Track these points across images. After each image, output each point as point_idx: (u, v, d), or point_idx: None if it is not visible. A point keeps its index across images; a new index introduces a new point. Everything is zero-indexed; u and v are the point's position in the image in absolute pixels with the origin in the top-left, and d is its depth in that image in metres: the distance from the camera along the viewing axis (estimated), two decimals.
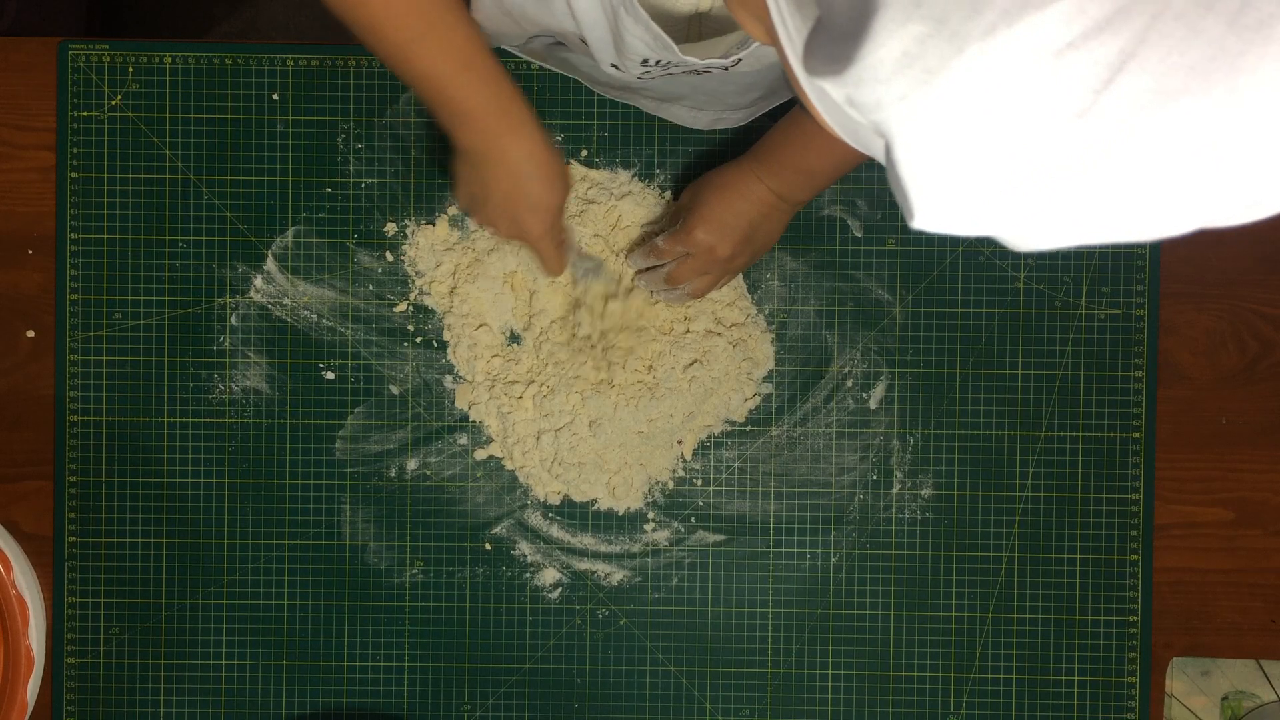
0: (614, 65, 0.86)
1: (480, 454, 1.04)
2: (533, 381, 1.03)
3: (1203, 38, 0.42)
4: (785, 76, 0.57)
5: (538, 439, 1.03)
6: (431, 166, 1.04)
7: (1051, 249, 0.50)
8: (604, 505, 1.04)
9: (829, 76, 0.48)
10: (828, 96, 0.51)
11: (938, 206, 0.48)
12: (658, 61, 0.83)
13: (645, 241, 1.02)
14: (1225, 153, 0.44)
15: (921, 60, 0.44)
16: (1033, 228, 0.48)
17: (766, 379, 1.04)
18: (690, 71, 0.85)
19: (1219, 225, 0.49)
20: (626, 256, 1.03)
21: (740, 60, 0.81)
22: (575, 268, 1.01)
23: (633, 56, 0.83)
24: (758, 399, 1.04)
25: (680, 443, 1.04)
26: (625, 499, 1.04)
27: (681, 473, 1.05)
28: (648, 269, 1.01)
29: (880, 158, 0.51)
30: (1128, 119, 0.43)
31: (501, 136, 0.86)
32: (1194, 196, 0.46)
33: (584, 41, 0.84)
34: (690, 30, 0.86)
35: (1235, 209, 0.47)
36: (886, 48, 0.45)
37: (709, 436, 1.05)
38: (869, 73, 0.46)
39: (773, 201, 0.96)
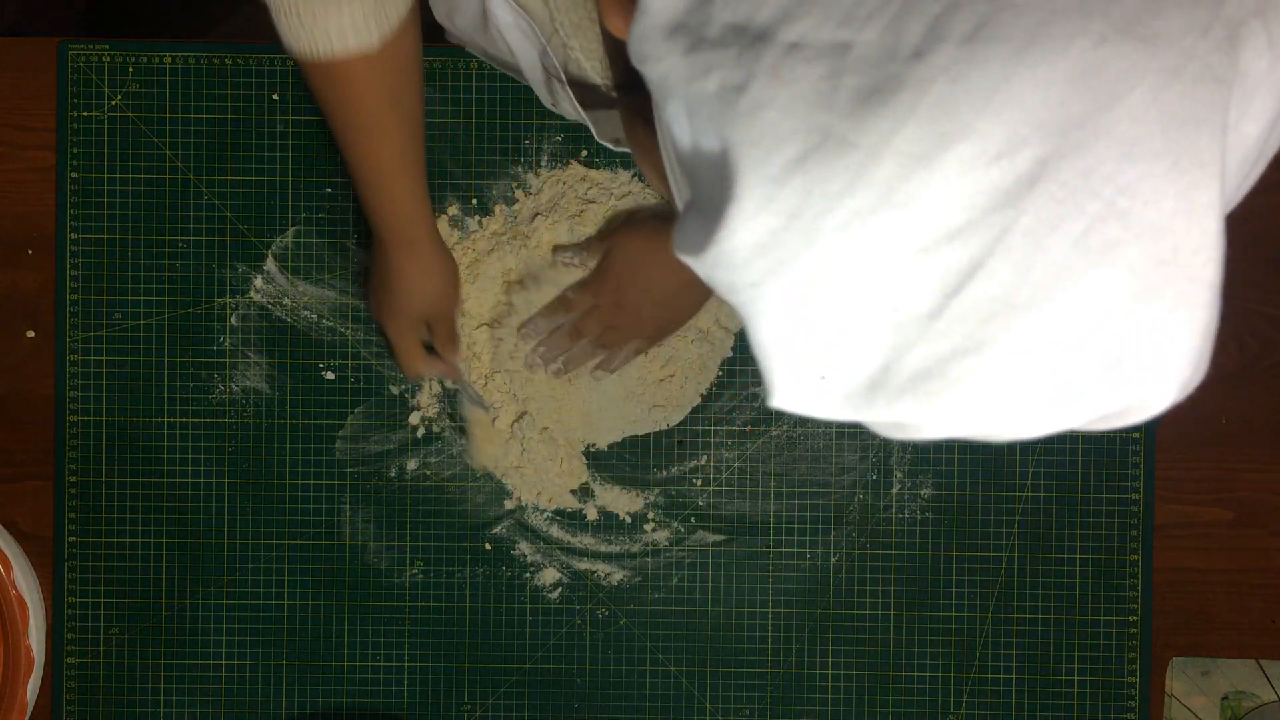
0: (552, 105, 0.88)
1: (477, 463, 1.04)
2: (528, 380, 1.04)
3: (1048, 255, 0.44)
4: None
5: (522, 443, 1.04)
6: (431, 167, 1.04)
7: (918, 441, 0.51)
8: (605, 507, 1.04)
9: (689, 255, 0.49)
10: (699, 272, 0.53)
11: (792, 390, 0.49)
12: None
13: (543, 309, 1.02)
14: (1071, 360, 0.46)
15: (774, 251, 0.46)
16: (897, 420, 0.49)
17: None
18: None
19: (1083, 429, 0.51)
20: (521, 329, 1.02)
21: None
22: (459, 393, 1.03)
23: (564, 107, 0.86)
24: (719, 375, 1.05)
25: (681, 443, 1.04)
26: (627, 502, 1.04)
27: (679, 469, 1.05)
28: (549, 334, 1.01)
29: None
30: (978, 324, 0.45)
31: (397, 241, 0.93)
32: (1043, 403, 0.47)
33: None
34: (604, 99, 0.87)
35: (1090, 416, 0.48)
36: (740, 236, 0.46)
37: (709, 435, 1.05)
38: (725, 258, 0.47)
39: (696, 276, 0.96)
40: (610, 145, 0.86)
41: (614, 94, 0.75)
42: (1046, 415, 0.48)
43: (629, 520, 1.04)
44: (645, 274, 0.98)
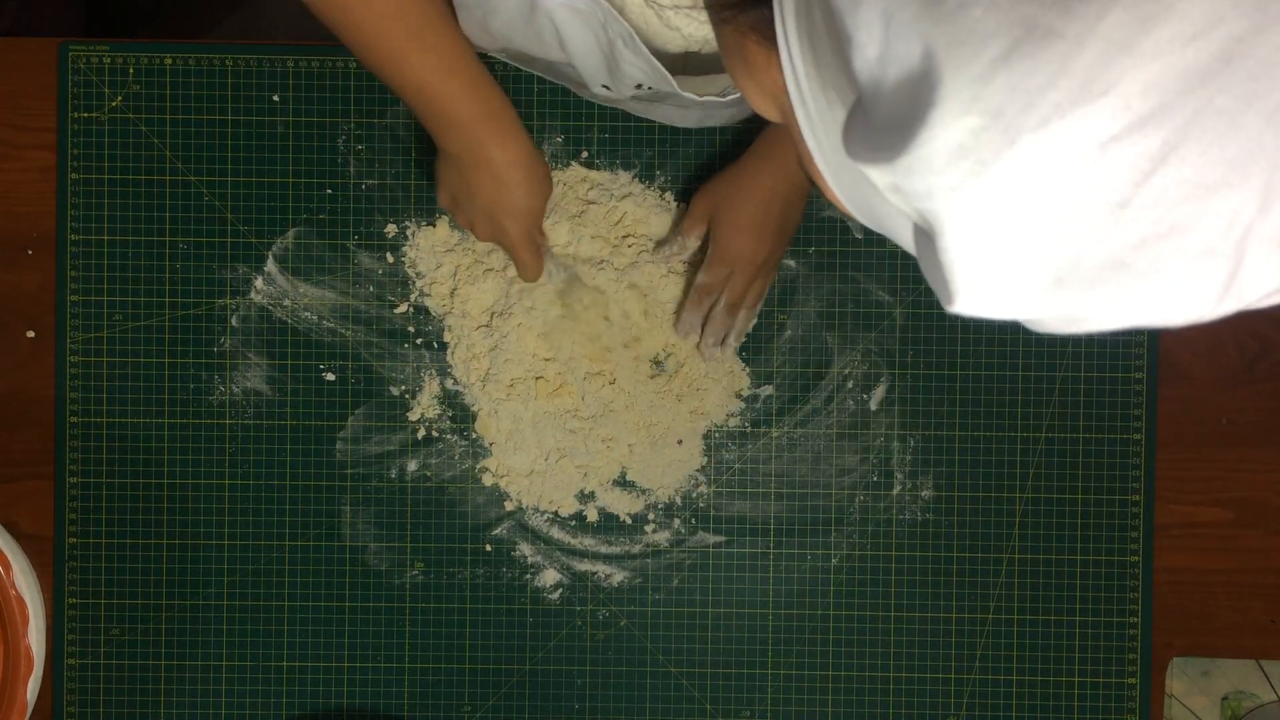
0: (605, 86, 0.87)
1: (487, 479, 1.04)
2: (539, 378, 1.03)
3: (1242, 133, 0.43)
4: None
5: (533, 445, 1.04)
6: (432, 168, 1.04)
7: (1088, 333, 0.50)
8: (606, 508, 1.04)
9: (876, 164, 0.48)
10: (854, 178, 0.52)
11: (981, 293, 0.48)
12: (651, 87, 0.83)
13: (684, 304, 1.02)
14: (1259, 244, 0.45)
15: (976, 152, 0.45)
16: (1072, 314, 0.49)
17: (767, 380, 1.04)
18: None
19: (1254, 307, 0.50)
20: (676, 327, 1.03)
21: (739, 95, 0.82)
22: (552, 275, 1.01)
23: (627, 82, 0.84)
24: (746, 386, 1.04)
25: (680, 442, 1.04)
26: (628, 504, 1.04)
27: (698, 476, 1.05)
28: (704, 321, 1.02)
29: (902, 240, 0.52)
30: (1170, 208, 0.44)
31: (486, 142, 0.87)
32: (1226, 285, 0.46)
33: (572, 65, 0.84)
34: (678, 63, 0.86)
35: (1265, 294, 0.48)
36: (942, 139, 0.45)
37: (709, 434, 1.05)
38: (921, 163, 0.46)
39: (794, 192, 0.97)
40: (695, 99, 0.84)
41: (720, 18, 0.73)
42: (1230, 294, 0.47)
43: (629, 521, 1.04)
44: (752, 218, 0.97)
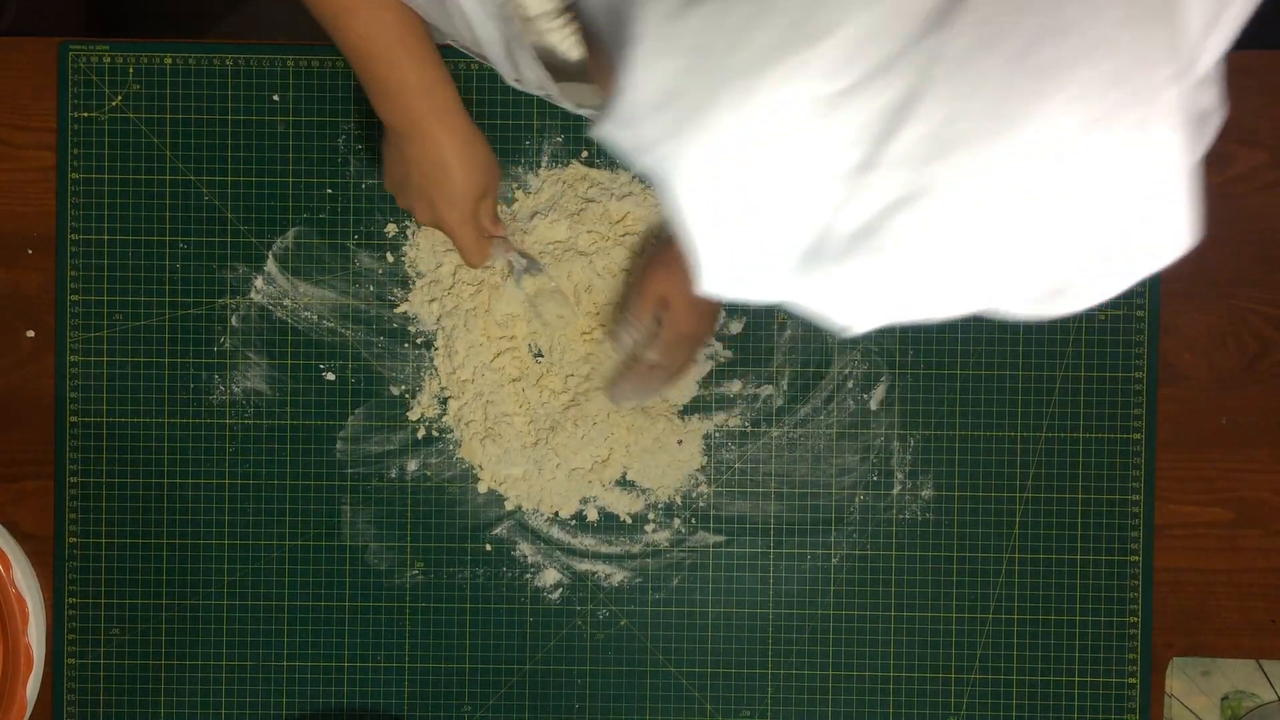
0: (516, 80, 0.85)
1: (481, 486, 1.04)
2: (520, 379, 1.03)
3: (984, 81, 0.39)
4: None
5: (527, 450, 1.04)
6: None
7: (863, 330, 0.45)
8: (606, 508, 1.04)
9: (601, 131, 0.44)
10: (624, 152, 0.47)
11: (721, 266, 0.44)
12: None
13: (624, 375, 0.99)
14: (1016, 207, 0.41)
15: (683, 96, 0.41)
16: (835, 297, 0.44)
17: (768, 380, 1.04)
18: None
19: (1015, 309, 0.45)
20: (610, 393, 1.01)
21: None
22: (512, 265, 1.00)
23: (530, 80, 0.83)
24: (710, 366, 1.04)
25: (680, 442, 1.04)
26: (629, 504, 1.04)
27: (698, 476, 1.05)
28: (628, 377, 0.99)
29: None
30: (917, 168, 0.40)
31: (425, 119, 0.83)
32: (999, 257, 0.42)
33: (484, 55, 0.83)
34: (580, 70, 0.84)
35: (1035, 284, 0.43)
36: (642, 84, 0.42)
37: (709, 434, 1.05)
38: (629, 110, 0.43)
39: None
40: (572, 108, 0.82)
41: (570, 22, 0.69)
42: (998, 270, 0.42)
43: (629, 521, 1.04)
44: (703, 303, 0.95)
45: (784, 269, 0.44)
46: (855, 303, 0.44)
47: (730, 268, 0.44)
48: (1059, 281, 0.43)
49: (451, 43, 0.93)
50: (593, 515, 1.04)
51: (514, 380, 1.04)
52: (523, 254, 1.01)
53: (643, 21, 0.41)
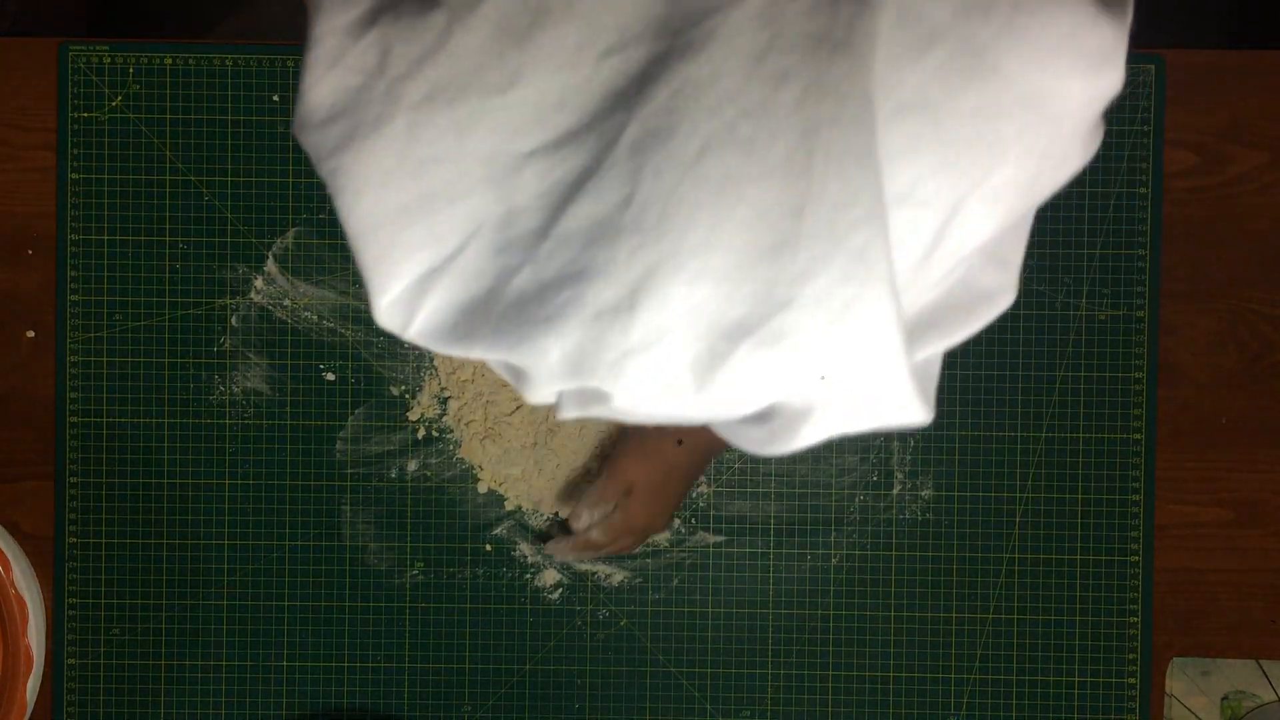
0: None
1: (481, 487, 1.04)
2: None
3: (656, 176, 0.38)
4: None
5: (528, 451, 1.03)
6: None
7: (542, 388, 0.43)
8: None
9: (293, 121, 0.43)
10: None
11: (389, 299, 0.43)
12: None
13: (566, 541, 1.00)
14: (677, 316, 0.39)
15: (354, 113, 0.41)
16: (499, 360, 0.43)
17: None
18: None
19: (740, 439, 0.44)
20: (546, 546, 1.01)
21: None
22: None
23: None
24: None
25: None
26: None
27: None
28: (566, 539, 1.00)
29: None
30: (582, 248, 0.39)
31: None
32: (650, 361, 0.41)
33: None
34: None
35: (723, 407, 0.42)
36: (315, 91, 0.41)
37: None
38: (304, 116, 0.42)
39: (691, 461, 0.95)
40: None
41: None
42: (654, 378, 0.41)
43: None
44: (665, 492, 0.96)
45: (443, 325, 0.42)
46: (521, 376, 0.43)
47: (395, 303, 0.43)
48: (736, 408, 0.41)
49: None
50: None
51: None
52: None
53: (321, 28, 0.41)
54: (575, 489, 1.02)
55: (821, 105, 0.36)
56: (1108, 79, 0.41)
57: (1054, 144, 0.41)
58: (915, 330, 0.43)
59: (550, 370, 0.41)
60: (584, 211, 0.39)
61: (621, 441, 0.98)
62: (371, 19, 0.40)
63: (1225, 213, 1.03)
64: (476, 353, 0.43)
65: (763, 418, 0.43)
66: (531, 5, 0.38)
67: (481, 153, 0.39)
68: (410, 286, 0.42)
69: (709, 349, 0.39)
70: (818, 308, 0.38)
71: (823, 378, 0.40)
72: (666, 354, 0.40)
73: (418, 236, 0.41)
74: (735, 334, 0.39)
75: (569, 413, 0.43)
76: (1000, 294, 0.47)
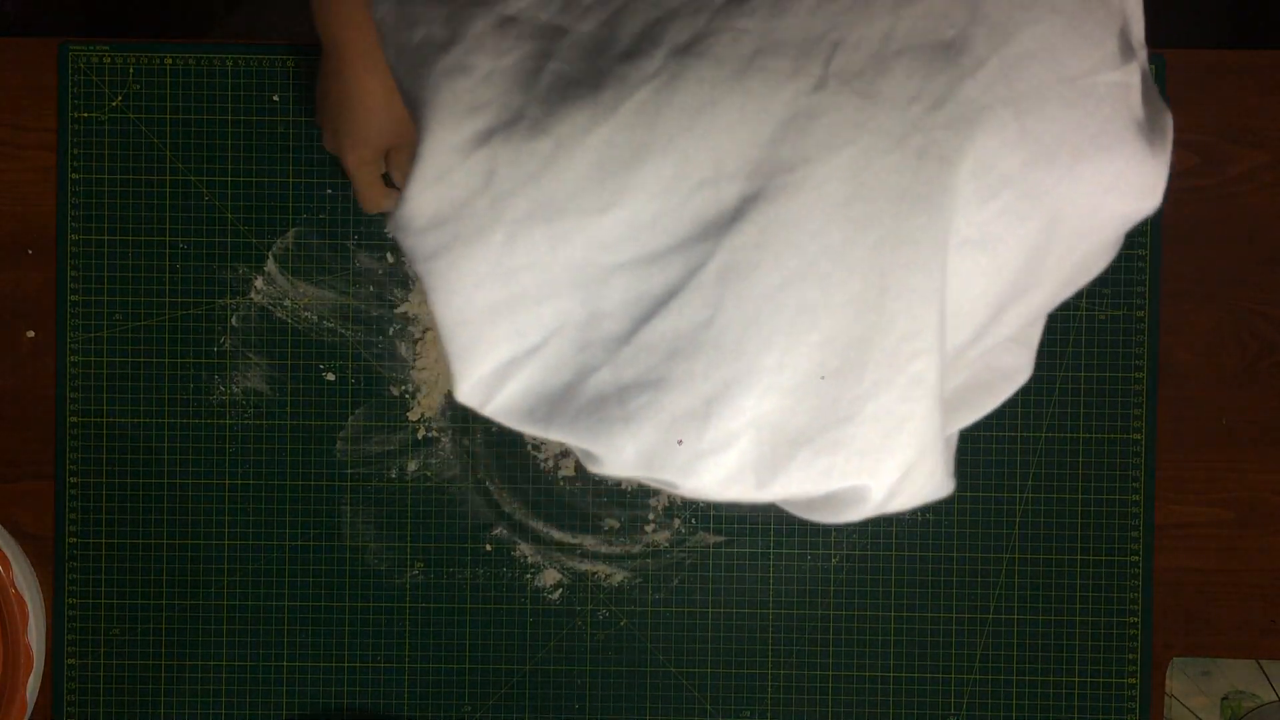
0: None
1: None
2: None
3: (740, 300, 0.41)
4: None
5: None
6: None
7: (603, 474, 0.48)
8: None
9: (390, 218, 0.46)
10: None
11: (474, 387, 0.46)
12: None
13: None
14: (750, 426, 0.43)
15: (453, 225, 0.43)
16: (577, 447, 0.46)
17: None
18: None
19: (785, 506, 0.48)
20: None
21: None
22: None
23: None
24: None
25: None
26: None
27: None
28: None
29: None
30: (662, 358, 0.42)
31: (352, 59, 0.81)
32: (719, 464, 0.44)
33: None
34: None
35: (780, 494, 0.46)
36: (418, 202, 0.44)
37: None
38: (404, 221, 0.45)
39: None
40: None
41: None
42: (722, 477, 0.45)
43: (629, 521, 1.04)
44: None
45: (528, 409, 0.46)
46: (591, 458, 0.46)
47: (476, 391, 0.46)
48: (792, 495, 0.45)
49: None
50: (593, 516, 1.04)
51: None
52: None
53: (431, 146, 0.43)
54: None
55: (898, 251, 0.41)
56: (1149, 205, 0.46)
57: (1089, 259, 0.47)
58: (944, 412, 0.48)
59: (624, 463, 0.45)
60: (666, 326, 0.42)
61: None
62: (482, 140, 0.43)
63: (1225, 213, 1.03)
64: (552, 435, 0.46)
65: (815, 503, 0.47)
66: (634, 140, 0.41)
67: (572, 262, 0.43)
68: (491, 372, 0.45)
69: (772, 453, 0.44)
70: (876, 423, 0.43)
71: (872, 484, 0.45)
72: (733, 457, 0.44)
73: (503, 331, 0.45)
74: (797, 441, 0.43)
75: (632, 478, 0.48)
76: (1018, 372, 0.52)
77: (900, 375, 0.42)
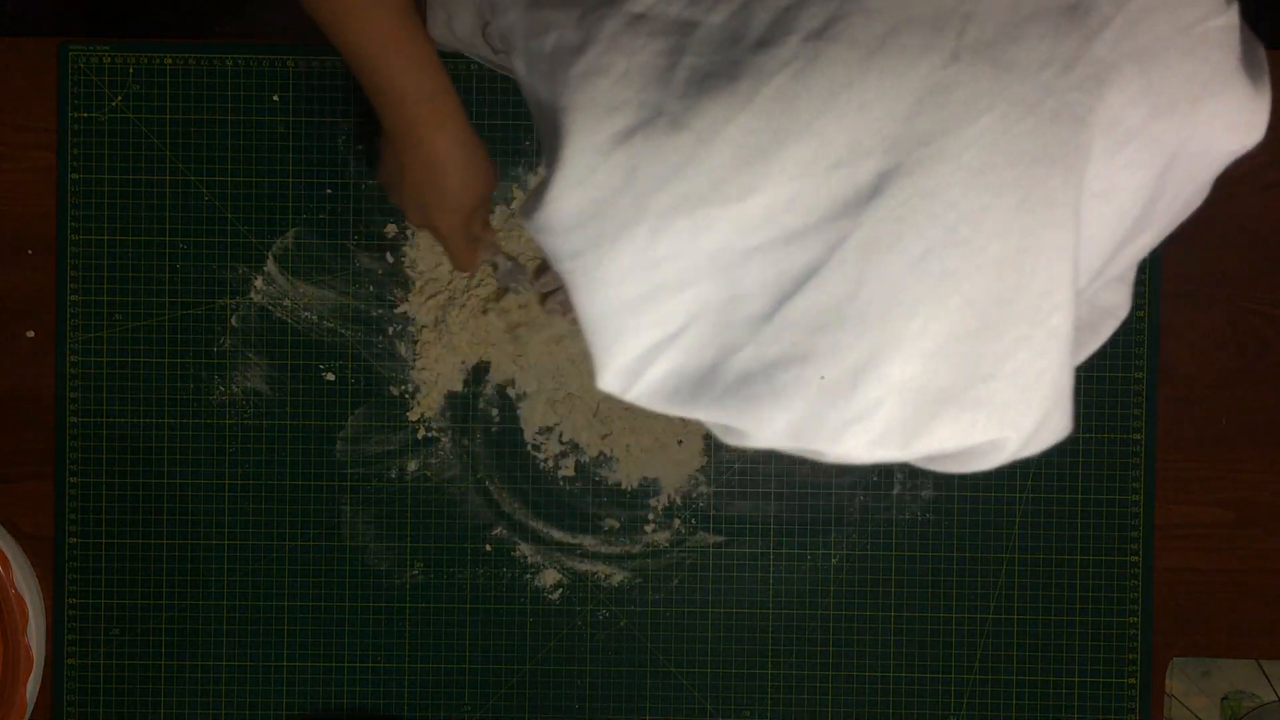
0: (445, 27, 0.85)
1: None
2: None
3: (883, 271, 0.43)
4: None
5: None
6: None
7: (750, 448, 0.49)
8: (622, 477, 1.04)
9: (524, 217, 0.47)
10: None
11: (615, 375, 0.48)
12: None
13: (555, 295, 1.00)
14: (898, 388, 0.44)
15: (598, 222, 0.45)
16: (720, 424, 0.48)
17: None
18: None
19: (919, 464, 0.50)
20: (536, 278, 1.01)
21: None
22: (498, 271, 1.00)
23: (458, 33, 0.83)
24: None
25: (680, 442, 1.04)
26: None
27: (699, 476, 1.05)
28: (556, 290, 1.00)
29: None
30: (806, 333, 0.44)
31: (422, 124, 0.82)
32: (864, 428, 0.45)
33: None
34: None
35: (919, 452, 0.47)
36: (562, 203, 0.45)
37: (710, 435, 1.04)
38: (546, 222, 0.46)
39: None
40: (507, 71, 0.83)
41: None
42: (868, 441, 0.46)
43: (629, 521, 1.04)
44: None
45: (670, 393, 0.47)
46: (732, 432, 0.48)
47: (621, 378, 0.48)
48: (930, 453, 0.47)
49: (484, 62, 0.92)
50: (593, 516, 1.04)
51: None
52: (508, 257, 1.01)
53: (572, 148, 0.44)
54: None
55: (1036, 213, 0.42)
56: (1253, 139, 0.49)
57: (1190, 200, 0.49)
58: None
59: (773, 436, 0.46)
60: (809, 302, 0.43)
61: None
62: (622, 139, 0.44)
63: (1225, 213, 1.03)
64: (697, 414, 0.47)
65: (951, 458, 0.49)
66: (773, 127, 0.42)
67: (712, 249, 0.44)
68: (635, 359, 0.47)
69: (916, 414, 0.45)
70: (1016, 378, 0.44)
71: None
72: (879, 422, 0.45)
73: (646, 320, 0.46)
74: (940, 401, 0.44)
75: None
76: (1119, 309, 0.54)
77: (1039, 330, 0.43)
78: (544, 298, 1.01)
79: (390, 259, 1.04)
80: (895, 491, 1.04)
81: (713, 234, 0.43)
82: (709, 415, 0.47)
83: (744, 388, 0.45)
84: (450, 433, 1.04)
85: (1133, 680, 1.04)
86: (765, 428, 0.46)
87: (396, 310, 1.04)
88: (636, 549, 1.04)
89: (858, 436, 0.46)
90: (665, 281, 0.45)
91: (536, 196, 0.47)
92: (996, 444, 0.47)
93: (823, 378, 0.44)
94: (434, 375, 1.03)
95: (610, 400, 1.03)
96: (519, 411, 1.04)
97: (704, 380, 0.46)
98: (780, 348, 0.44)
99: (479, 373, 1.04)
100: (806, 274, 0.43)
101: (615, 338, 0.47)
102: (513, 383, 1.04)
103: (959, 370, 0.44)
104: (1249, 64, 0.48)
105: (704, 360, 0.46)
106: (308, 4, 0.80)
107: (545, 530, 1.04)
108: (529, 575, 1.04)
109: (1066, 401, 0.48)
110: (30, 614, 0.98)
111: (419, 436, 1.04)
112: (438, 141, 0.82)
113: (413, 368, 1.04)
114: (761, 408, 0.45)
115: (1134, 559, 1.04)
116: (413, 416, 1.04)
